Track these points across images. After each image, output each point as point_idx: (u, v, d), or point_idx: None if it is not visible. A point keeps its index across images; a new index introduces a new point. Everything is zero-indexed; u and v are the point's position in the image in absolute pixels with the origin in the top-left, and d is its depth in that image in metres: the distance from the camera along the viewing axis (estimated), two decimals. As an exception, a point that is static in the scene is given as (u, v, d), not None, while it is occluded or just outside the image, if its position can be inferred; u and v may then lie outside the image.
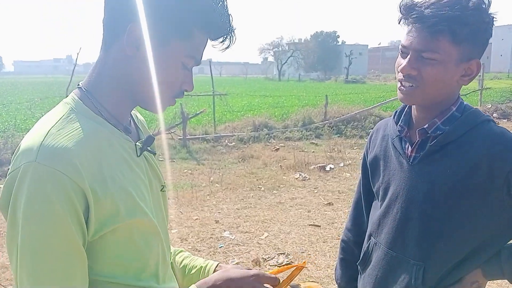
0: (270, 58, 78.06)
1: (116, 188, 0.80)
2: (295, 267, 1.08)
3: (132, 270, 0.86)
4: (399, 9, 1.11)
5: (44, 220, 0.72)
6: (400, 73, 1.13)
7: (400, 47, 1.14)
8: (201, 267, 1.11)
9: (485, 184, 1.06)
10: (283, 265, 1.13)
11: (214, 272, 1.08)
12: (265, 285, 0.99)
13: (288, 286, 1.06)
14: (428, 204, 1.13)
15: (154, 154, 0.99)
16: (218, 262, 1.12)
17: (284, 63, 65.64)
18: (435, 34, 1.05)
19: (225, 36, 0.88)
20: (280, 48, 70.96)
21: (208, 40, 0.89)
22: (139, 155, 0.91)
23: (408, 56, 1.10)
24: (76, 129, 0.79)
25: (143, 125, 1.05)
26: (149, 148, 0.95)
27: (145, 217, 0.85)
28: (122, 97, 0.88)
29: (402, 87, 1.14)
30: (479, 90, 15.58)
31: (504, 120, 13.04)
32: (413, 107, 1.22)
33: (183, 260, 1.14)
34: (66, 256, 0.75)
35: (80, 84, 0.88)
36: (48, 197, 0.72)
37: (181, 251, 1.17)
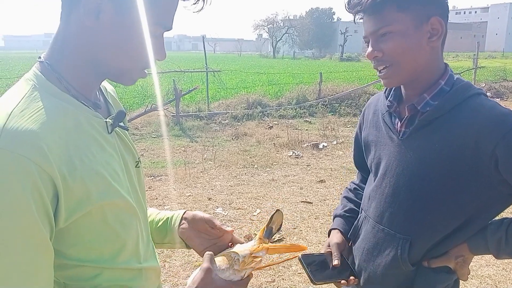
0: (265, 35, 77.12)
1: (86, 170, 0.75)
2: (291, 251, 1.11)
3: (108, 253, 0.82)
4: (346, 9, 1.17)
5: (7, 213, 0.65)
6: (372, 61, 1.15)
7: (363, 39, 1.18)
8: (167, 218, 1.08)
9: (473, 158, 1.06)
10: (281, 244, 1.16)
11: (181, 220, 1.06)
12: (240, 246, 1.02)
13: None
14: (416, 179, 1.14)
15: (127, 130, 0.93)
16: (185, 210, 1.10)
17: (279, 40, 64.92)
18: (379, 9, 1.08)
19: None
20: (274, 25, 69.99)
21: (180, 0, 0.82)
22: (110, 132, 0.86)
23: (370, 42, 1.13)
24: (41, 109, 0.73)
25: (113, 98, 1.00)
26: (120, 124, 0.89)
27: (119, 198, 0.81)
28: (87, 71, 0.82)
29: (380, 73, 1.16)
30: (473, 68, 15.56)
31: (497, 99, 13.07)
32: (403, 85, 1.22)
33: (149, 216, 1.12)
34: (31, 252, 0.68)
35: (41, 57, 0.81)
36: (12, 188, 0.65)
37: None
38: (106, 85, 1.00)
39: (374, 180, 1.28)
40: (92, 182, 0.75)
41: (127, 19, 0.78)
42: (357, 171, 1.55)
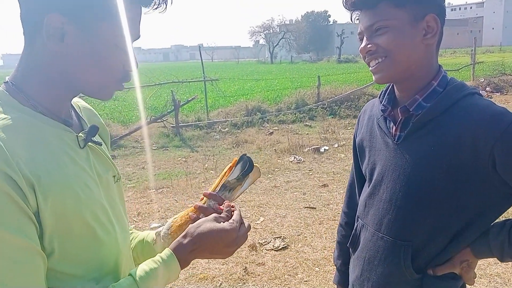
0: (262, 41, 77.41)
1: (52, 182, 0.73)
2: (229, 167, 1.11)
3: (83, 274, 0.79)
4: (344, 6, 1.16)
5: None
6: (364, 56, 1.14)
7: (358, 36, 1.17)
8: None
9: (470, 159, 1.02)
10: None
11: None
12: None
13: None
14: (413, 182, 1.11)
15: (100, 145, 0.91)
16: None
17: (275, 46, 65.06)
18: (375, 4, 1.08)
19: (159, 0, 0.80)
20: (271, 30, 70.23)
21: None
22: (83, 147, 0.84)
23: (364, 37, 1.13)
24: (2, 120, 0.71)
25: (88, 114, 0.98)
26: (93, 139, 0.88)
27: (88, 213, 0.79)
28: (56, 91, 0.81)
29: (372, 67, 1.13)
30: (471, 64, 15.55)
31: (497, 93, 13.04)
32: (395, 86, 1.20)
33: (137, 236, 1.10)
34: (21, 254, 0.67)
35: (6, 79, 0.81)
36: None
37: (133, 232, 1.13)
38: (79, 102, 0.98)
39: (369, 186, 1.25)
40: (59, 195, 0.73)
41: (93, 36, 0.77)
42: (346, 192, 1.51)
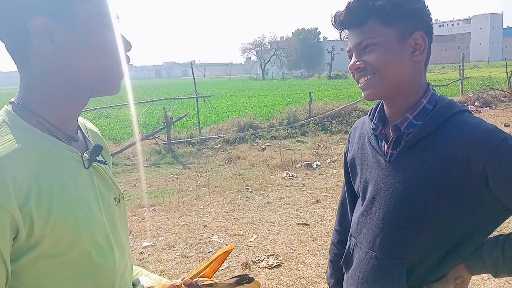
0: (253, 58, 78.03)
1: (55, 205, 0.72)
2: (223, 252, 1.06)
3: None
4: (332, 24, 1.17)
5: None
6: (353, 73, 1.14)
7: (347, 54, 1.17)
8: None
9: (463, 177, 1.03)
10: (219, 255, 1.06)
11: None
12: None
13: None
14: (406, 201, 1.11)
15: (105, 164, 0.91)
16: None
17: (267, 62, 65.53)
18: (363, 22, 1.09)
19: None
20: (262, 47, 70.85)
21: None
22: (88, 167, 0.84)
23: (353, 55, 1.13)
24: (8, 141, 0.71)
25: (94, 135, 0.98)
26: (98, 158, 0.87)
27: (87, 239, 0.78)
28: (62, 103, 0.81)
29: (361, 84, 1.14)
30: (460, 79, 15.77)
31: (486, 108, 13.20)
32: (385, 103, 1.20)
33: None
34: None
35: (12, 100, 0.81)
36: None
37: (137, 272, 1.10)
38: (86, 123, 0.98)
39: (362, 205, 1.24)
40: (60, 219, 0.72)
41: (76, 24, 0.77)
42: (337, 210, 1.50)
